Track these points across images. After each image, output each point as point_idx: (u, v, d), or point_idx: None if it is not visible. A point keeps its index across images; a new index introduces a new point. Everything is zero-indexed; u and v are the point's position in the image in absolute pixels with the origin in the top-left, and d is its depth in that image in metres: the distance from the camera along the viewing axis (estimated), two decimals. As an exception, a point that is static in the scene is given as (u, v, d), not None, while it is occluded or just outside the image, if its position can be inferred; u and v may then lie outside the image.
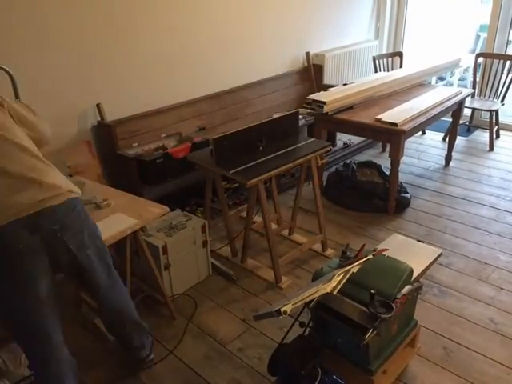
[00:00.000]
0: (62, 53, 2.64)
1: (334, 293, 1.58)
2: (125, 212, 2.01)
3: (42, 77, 2.59)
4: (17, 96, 2.17)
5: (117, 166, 2.93)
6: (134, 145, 3.01)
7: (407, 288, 1.76)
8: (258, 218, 3.01)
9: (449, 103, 3.55)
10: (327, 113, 3.24)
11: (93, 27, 2.74)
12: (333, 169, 3.77)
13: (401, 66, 4.63)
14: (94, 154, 2.86)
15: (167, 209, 2.07)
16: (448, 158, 4.09)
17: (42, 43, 2.55)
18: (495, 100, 4.45)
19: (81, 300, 2.47)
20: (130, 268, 2.10)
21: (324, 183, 3.66)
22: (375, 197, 3.36)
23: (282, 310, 1.42)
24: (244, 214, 2.99)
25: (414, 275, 1.78)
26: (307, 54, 4.24)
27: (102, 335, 2.30)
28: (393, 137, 3.10)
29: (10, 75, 2.16)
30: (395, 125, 3.03)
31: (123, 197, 2.18)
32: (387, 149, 4.23)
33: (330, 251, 2.91)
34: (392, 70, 4.57)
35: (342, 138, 4.41)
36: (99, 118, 2.88)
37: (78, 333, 2.33)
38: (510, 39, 4.67)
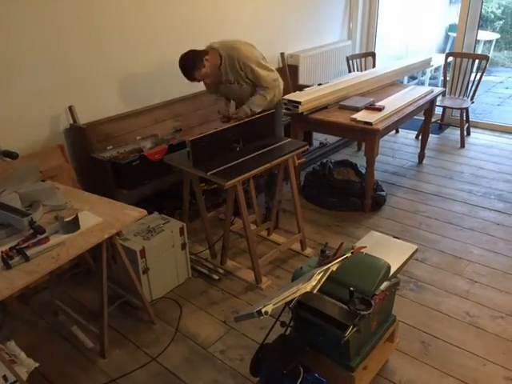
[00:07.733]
0: (33, 54, 2.57)
1: (314, 291, 1.58)
2: (101, 216, 1.97)
3: (11, 78, 2.52)
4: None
5: (91, 170, 2.87)
6: (108, 147, 2.96)
7: (385, 284, 1.79)
8: (236, 219, 3.01)
9: (421, 102, 3.63)
10: (302, 113, 3.27)
11: (65, 28, 2.68)
12: (310, 168, 3.80)
13: (373, 66, 4.71)
14: (67, 157, 2.80)
15: (144, 212, 2.04)
16: (421, 156, 4.18)
17: (10, 44, 2.48)
18: (465, 98, 4.57)
19: (58, 308, 2.42)
20: (106, 273, 2.06)
21: (301, 183, 3.69)
22: (352, 195, 3.40)
23: (262, 310, 1.41)
24: (223, 215, 2.98)
25: (392, 271, 1.81)
26: (282, 54, 4.26)
27: (79, 343, 2.26)
28: (368, 136, 3.15)
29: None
30: (370, 124, 3.07)
31: (99, 201, 2.14)
32: (363, 148, 4.29)
33: (309, 250, 2.93)
34: (365, 69, 4.64)
35: (319, 137, 4.45)
36: (72, 121, 2.82)
37: (56, 341, 2.28)
38: (478, 39, 4.80)
